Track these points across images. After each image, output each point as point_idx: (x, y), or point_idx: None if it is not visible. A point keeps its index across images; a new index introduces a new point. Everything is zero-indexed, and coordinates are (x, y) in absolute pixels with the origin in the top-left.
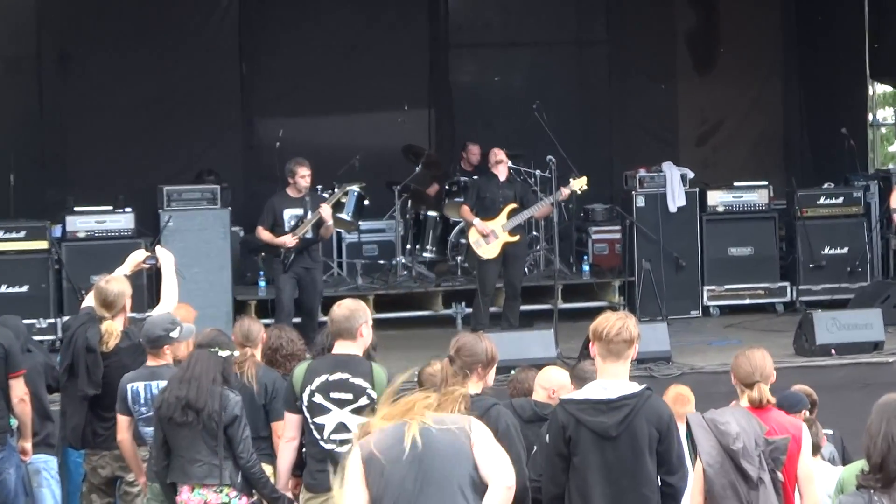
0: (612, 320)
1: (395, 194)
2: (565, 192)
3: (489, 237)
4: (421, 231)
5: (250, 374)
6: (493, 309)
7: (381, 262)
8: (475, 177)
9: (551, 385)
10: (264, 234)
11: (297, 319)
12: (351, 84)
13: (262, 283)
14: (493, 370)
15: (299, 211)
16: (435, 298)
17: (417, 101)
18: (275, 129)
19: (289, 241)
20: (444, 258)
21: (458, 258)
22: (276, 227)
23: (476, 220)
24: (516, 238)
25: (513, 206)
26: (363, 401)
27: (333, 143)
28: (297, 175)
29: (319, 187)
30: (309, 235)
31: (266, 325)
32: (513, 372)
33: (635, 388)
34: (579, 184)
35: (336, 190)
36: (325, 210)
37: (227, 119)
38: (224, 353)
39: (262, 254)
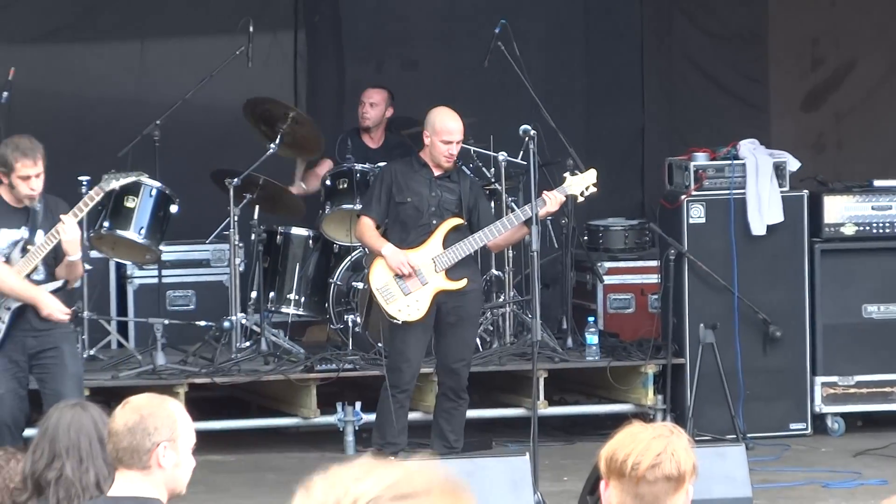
0: (644, 443)
1: (228, 194)
2: (552, 200)
3: (409, 281)
4: (279, 265)
5: None
6: (414, 415)
7: (203, 323)
8: (384, 163)
9: None
10: None
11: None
12: None
13: None
14: None
15: (21, 232)
16: (305, 394)
17: (273, 16)
18: None
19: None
20: (321, 316)
21: (350, 318)
22: None
23: (387, 248)
24: (459, 284)
25: (455, 221)
26: None
27: (109, 94)
28: (14, 172)
29: (85, 179)
30: (39, 276)
31: None
32: None
33: None
34: (581, 183)
35: (100, 184)
36: (69, 226)
37: None
38: None
39: None
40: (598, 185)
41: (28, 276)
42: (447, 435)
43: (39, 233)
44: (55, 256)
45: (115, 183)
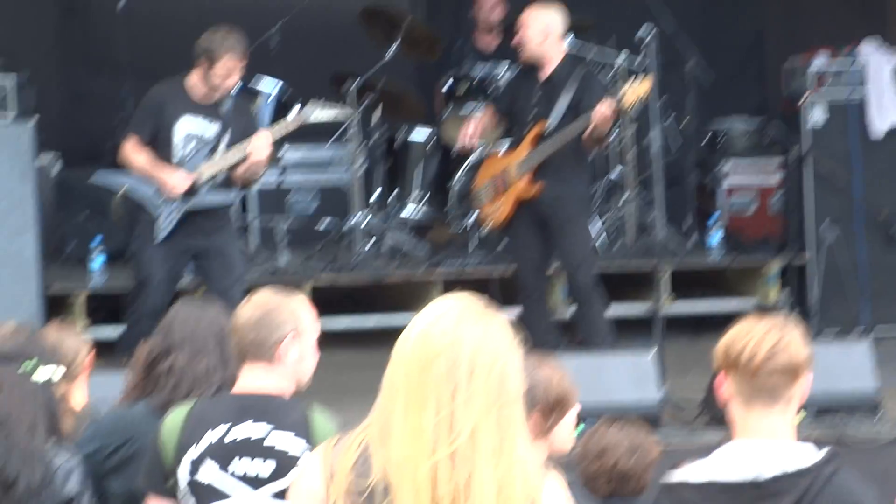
0: (759, 335)
1: (349, 98)
2: (601, 112)
3: (498, 186)
4: (400, 166)
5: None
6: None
7: (326, 223)
8: (504, 60)
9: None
10: (137, 157)
11: None
12: None
13: (99, 260)
14: (569, 421)
15: (208, 127)
16: (428, 293)
17: None
18: None
19: (179, 181)
20: (442, 217)
21: (471, 218)
22: (156, 151)
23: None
24: (534, 189)
25: (540, 126)
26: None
27: (224, 3)
28: (218, 64)
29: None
30: (220, 177)
31: (110, 339)
32: (577, 432)
33: (809, 456)
34: (635, 94)
35: (304, 110)
36: (262, 143)
37: None
38: (42, 375)
39: (119, 198)
40: (714, 88)
41: (209, 180)
42: (587, 339)
43: (227, 137)
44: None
45: (319, 112)
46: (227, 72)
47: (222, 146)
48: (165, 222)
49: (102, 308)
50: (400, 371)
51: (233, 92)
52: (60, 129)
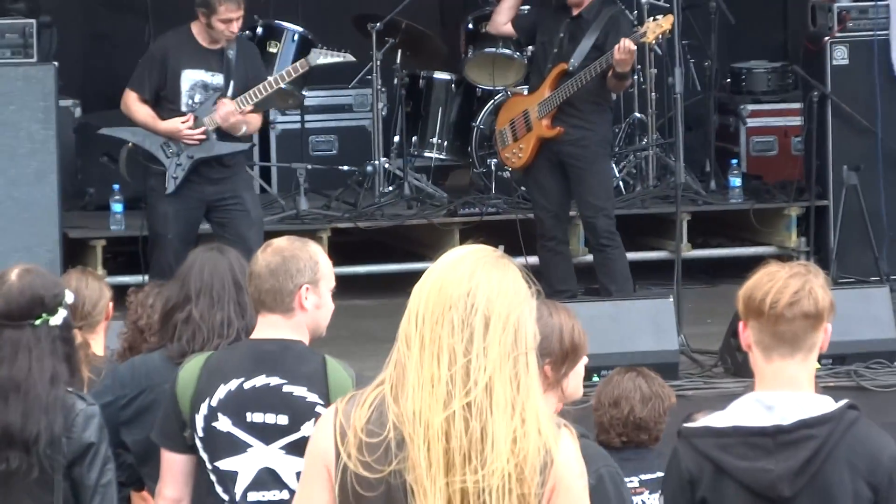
0: (782, 281)
1: (370, 39)
2: (622, 47)
3: (519, 127)
4: (422, 109)
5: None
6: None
7: (345, 167)
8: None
9: None
10: (140, 111)
11: None
12: None
13: (119, 208)
14: (579, 369)
15: (213, 77)
16: (448, 238)
17: None
18: None
19: (187, 130)
20: (464, 160)
21: (493, 161)
22: (164, 103)
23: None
24: (554, 132)
25: (562, 67)
26: (308, 429)
27: None
28: (216, 14)
29: (258, 26)
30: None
31: (128, 287)
32: (598, 378)
33: (828, 405)
34: (658, 28)
35: (308, 57)
36: (272, 86)
37: None
38: (57, 319)
39: (127, 151)
40: (736, 29)
41: (216, 129)
42: (606, 286)
43: (232, 84)
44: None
45: (323, 59)
46: (226, 20)
47: (230, 92)
48: (177, 172)
49: (122, 255)
50: (414, 323)
51: (250, 35)
52: (82, 73)
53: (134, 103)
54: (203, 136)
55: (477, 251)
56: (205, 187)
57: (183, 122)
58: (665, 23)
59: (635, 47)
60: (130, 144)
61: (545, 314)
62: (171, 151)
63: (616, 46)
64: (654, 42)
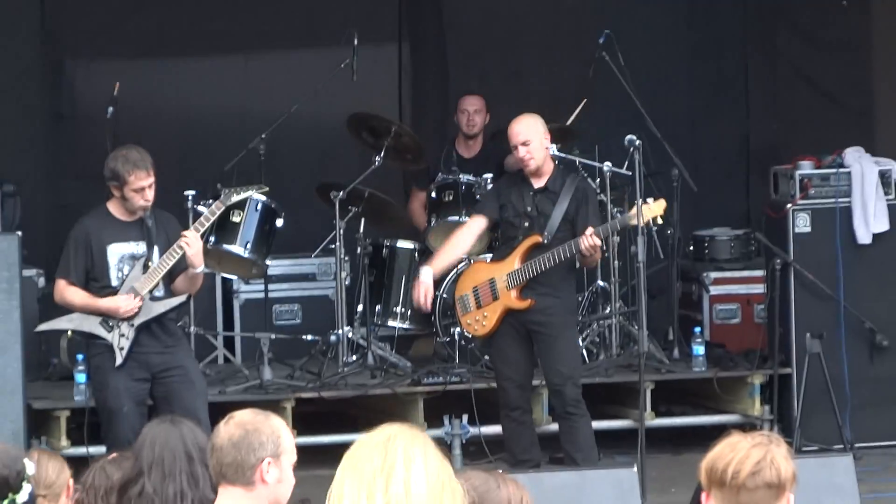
0: (744, 451)
1: (334, 208)
2: (586, 245)
3: (483, 295)
4: (385, 278)
5: None
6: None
7: (309, 337)
8: (486, 174)
9: None
10: (75, 296)
11: None
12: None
13: (83, 378)
14: None
15: (137, 247)
16: (412, 408)
17: (377, 29)
18: (105, 82)
19: (123, 303)
20: (427, 329)
21: (457, 331)
22: (93, 282)
23: (423, 270)
24: (524, 304)
25: (535, 239)
26: None
27: (213, 108)
28: (128, 185)
29: (190, 194)
30: (160, 293)
31: (86, 459)
32: None
33: None
34: (650, 213)
35: (221, 198)
36: (192, 240)
37: (17, 63)
38: (23, 495)
39: (67, 340)
40: (698, 197)
41: (150, 292)
42: (572, 454)
43: (156, 249)
44: (171, 272)
45: (236, 197)
46: (138, 189)
47: (155, 258)
48: (122, 343)
49: (87, 425)
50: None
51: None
52: (46, 242)
53: (66, 290)
54: (140, 303)
55: (404, 432)
56: (150, 357)
57: (124, 301)
58: (657, 208)
59: (600, 241)
60: (69, 333)
61: (493, 486)
62: (112, 324)
63: (581, 239)
64: (644, 225)
